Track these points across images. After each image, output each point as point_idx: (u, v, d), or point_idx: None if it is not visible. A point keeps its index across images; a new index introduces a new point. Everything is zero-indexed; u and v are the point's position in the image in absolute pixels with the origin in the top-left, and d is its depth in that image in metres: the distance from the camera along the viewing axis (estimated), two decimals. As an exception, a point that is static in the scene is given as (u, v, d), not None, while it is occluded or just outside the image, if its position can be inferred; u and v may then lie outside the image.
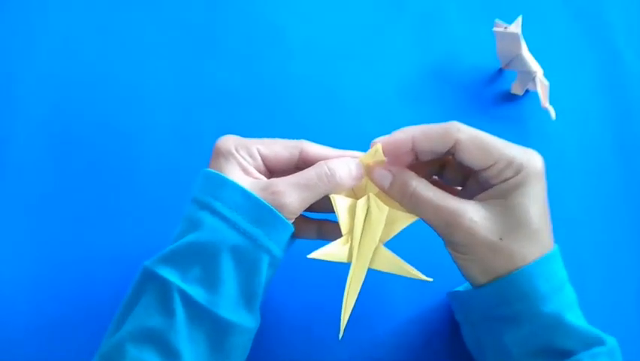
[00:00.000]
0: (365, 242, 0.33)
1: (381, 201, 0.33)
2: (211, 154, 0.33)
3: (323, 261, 0.31)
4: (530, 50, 0.47)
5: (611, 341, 0.30)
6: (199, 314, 0.29)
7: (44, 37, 0.50)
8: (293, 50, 0.51)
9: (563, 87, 0.49)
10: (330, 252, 0.32)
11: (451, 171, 0.35)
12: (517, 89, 0.49)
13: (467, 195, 0.32)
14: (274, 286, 0.40)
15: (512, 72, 0.50)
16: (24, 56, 0.49)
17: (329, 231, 0.36)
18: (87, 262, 0.42)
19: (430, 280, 0.31)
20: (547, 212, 0.31)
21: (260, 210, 0.31)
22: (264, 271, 0.31)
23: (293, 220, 0.32)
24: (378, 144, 0.32)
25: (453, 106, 0.49)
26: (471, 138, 0.30)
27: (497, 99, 0.50)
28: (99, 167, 0.45)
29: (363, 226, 0.33)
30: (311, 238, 0.37)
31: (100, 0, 0.51)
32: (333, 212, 0.33)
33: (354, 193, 0.34)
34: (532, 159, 0.30)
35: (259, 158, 0.33)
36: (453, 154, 0.31)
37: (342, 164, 0.32)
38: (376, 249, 0.33)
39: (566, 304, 0.30)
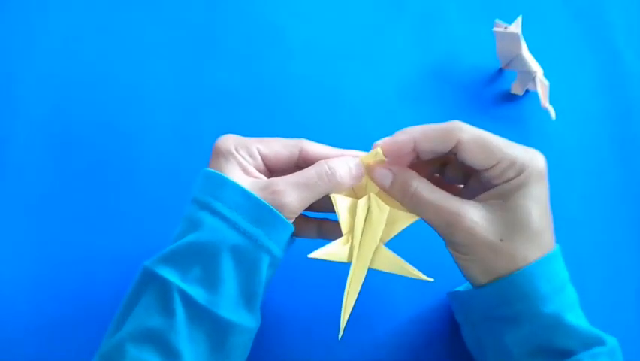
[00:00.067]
0: (365, 242, 0.33)
1: (382, 200, 0.33)
2: (211, 154, 0.33)
3: (323, 261, 0.31)
4: (530, 50, 0.48)
5: (611, 341, 0.30)
6: (199, 314, 0.29)
7: (44, 37, 0.50)
8: (293, 50, 0.51)
9: (563, 87, 0.49)
10: (331, 252, 0.32)
11: (452, 170, 0.35)
12: (517, 89, 0.49)
13: (468, 194, 0.32)
14: (274, 286, 0.40)
15: (512, 72, 0.50)
16: (24, 56, 0.49)
17: (329, 230, 0.36)
18: (87, 262, 0.42)
19: (431, 280, 0.31)
20: (548, 212, 0.31)
21: (260, 210, 0.30)
22: (264, 271, 0.31)
23: (293, 220, 0.32)
24: (379, 147, 0.32)
25: (453, 106, 0.49)
26: (473, 138, 0.30)
27: (497, 99, 0.50)
28: (99, 167, 0.45)
29: (364, 225, 0.33)
30: (311, 237, 0.37)
31: (100, 0, 0.51)
32: (334, 211, 0.33)
33: (355, 193, 0.34)
34: (534, 159, 0.30)
35: (259, 157, 0.33)
36: (455, 154, 0.31)
37: (343, 163, 0.32)
38: (377, 249, 0.33)
39: (566, 304, 0.30)
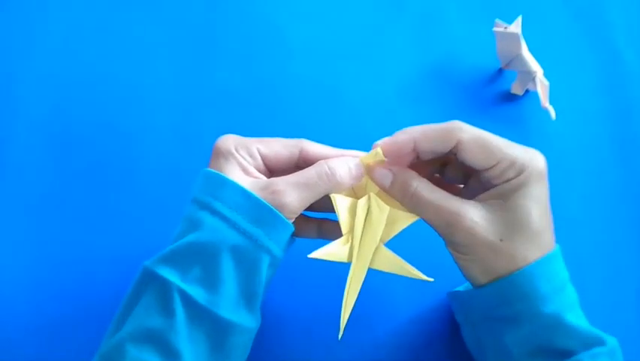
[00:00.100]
0: (365, 242, 0.33)
1: (382, 200, 0.33)
2: (211, 154, 0.33)
3: (323, 261, 0.31)
4: (530, 50, 0.48)
5: (611, 341, 0.30)
6: (199, 314, 0.29)
7: (44, 37, 0.50)
8: (293, 50, 0.51)
9: (563, 87, 0.49)
10: (331, 252, 0.32)
11: (452, 169, 0.35)
12: (517, 89, 0.49)
13: (468, 193, 0.32)
14: (274, 286, 0.40)
15: (512, 72, 0.50)
16: (24, 56, 0.49)
17: (329, 230, 0.36)
18: (87, 262, 0.42)
19: (431, 280, 0.31)
20: (548, 212, 0.31)
21: (260, 210, 0.30)
22: (264, 271, 0.31)
23: (293, 220, 0.32)
24: (378, 148, 0.32)
25: (453, 106, 0.49)
26: (473, 138, 0.30)
27: (497, 99, 0.50)
28: (99, 167, 0.45)
29: (364, 225, 0.33)
30: (311, 237, 0.37)
31: (100, 0, 0.51)
32: (334, 211, 0.33)
33: (354, 193, 0.34)
34: (534, 159, 0.30)
35: (259, 157, 0.33)
36: (455, 154, 0.31)
37: (342, 163, 0.32)
38: (377, 249, 0.33)
39: (566, 304, 0.30)
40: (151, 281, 0.30)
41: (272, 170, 0.34)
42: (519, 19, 0.46)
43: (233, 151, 0.32)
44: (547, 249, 0.30)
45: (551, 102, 0.47)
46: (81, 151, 0.46)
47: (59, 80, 0.48)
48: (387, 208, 0.33)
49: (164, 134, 0.47)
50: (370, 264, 0.33)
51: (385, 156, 0.32)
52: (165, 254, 0.30)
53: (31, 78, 0.48)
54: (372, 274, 0.33)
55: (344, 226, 0.33)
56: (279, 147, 0.33)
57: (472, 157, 0.30)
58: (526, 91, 0.50)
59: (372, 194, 0.33)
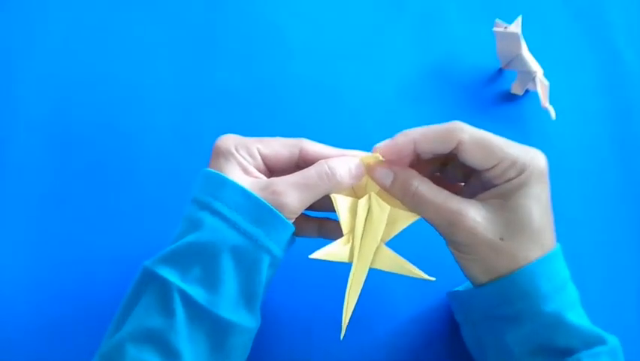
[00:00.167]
0: (366, 242, 0.33)
1: (383, 200, 0.33)
2: (211, 154, 0.33)
3: (324, 261, 0.31)
4: (530, 50, 0.48)
5: (612, 340, 0.30)
6: (199, 314, 0.29)
7: (44, 37, 0.50)
8: (293, 50, 0.51)
9: (563, 87, 0.49)
10: (332, 252, 0.32)
11: (453, 169, 0.35)
12: (517, 89, 0.49)
13: (469, 192, 0.32)
14: (274, 286, 0.40)
15: (512, 72, 0.50)
16: (24, 56, 0.49)
17: (330, 229, 0.36)
18: (87, 262, 0.42)
19: (433, 279, 0.31)
20: (549, 211, 0.31)
21: (260, 210, 0.30)
22: (265, 271, 0.31)
23: (293, 220, 0.32)
24: (378, 152, 0.32)
25: (453, 106, 0.49)
26: (474, 139, 0.30)
27: (497, 99, 0.50)
28: (99, 167, 0.45)
29: (365, 225, 0.33)
30: (312, 237, 0.37)
31: (100, 0, 0.51)
32: (334, 211, 0.33)
33: (355, 192, 0.34)
34: (535, 159, 0.30)
35: (259, 157, 0.33)
36: (456, 154, 0.31)
37: (343, 163, 0.32)
38: (378, 248, 0.33)
39: (567, 303, 0.30)
40: (151, 281, 0.30)
41: (272, 170, 0.34)
42: (519, 19, 0.46)
43: (233, 151, 0.32)
44: (548, 248, 0.30)
45: (551, 102, 0.47)
46: (81, 151, 0.46)
47: (59, 80, 0.48)
48: (387, 208, 0.33)
49: (164, 134, 0.47)
50: (371, 264, 0.33)
51: (385, 158, 0.32)
52: (165, 254, 0.30)
53: (31, 78, 0.48)
54: (372, 274, 0.33)
55: (345, 226, 0.33)
56: (279, 147, 0.33)
57: (473, 157, 0.30)
58: (526, 91, 0.50)
59: (372, 193, 0.33)
